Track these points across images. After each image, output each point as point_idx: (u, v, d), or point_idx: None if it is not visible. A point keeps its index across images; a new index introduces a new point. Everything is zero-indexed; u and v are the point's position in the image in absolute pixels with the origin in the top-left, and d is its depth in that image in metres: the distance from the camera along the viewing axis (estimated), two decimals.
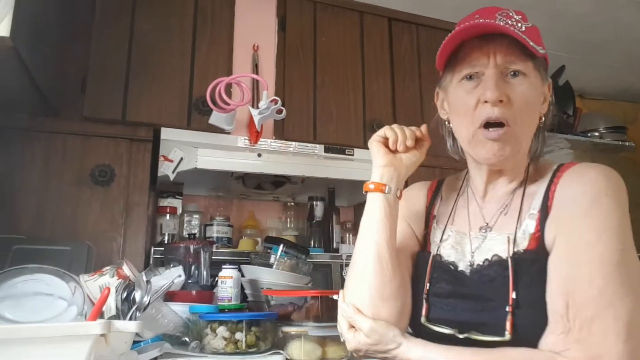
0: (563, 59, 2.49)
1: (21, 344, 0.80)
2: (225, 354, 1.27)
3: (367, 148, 1.84)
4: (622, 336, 0.61)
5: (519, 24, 0.74)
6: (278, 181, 1.95)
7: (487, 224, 0.80)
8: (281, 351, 1.30)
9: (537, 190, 0.77)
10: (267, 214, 2.19)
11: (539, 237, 0.72)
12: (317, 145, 1.86)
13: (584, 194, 0.69)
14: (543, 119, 0.79)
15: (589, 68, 2.71)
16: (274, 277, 1.62)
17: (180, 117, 1.67)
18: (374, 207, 0.81)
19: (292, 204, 2.19)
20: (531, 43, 0.72)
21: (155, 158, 1.65)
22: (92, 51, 1.64)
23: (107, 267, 1.33)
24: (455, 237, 0.83)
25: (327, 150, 1.87)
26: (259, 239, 2.01)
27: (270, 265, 1.68)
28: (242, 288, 1.62)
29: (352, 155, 1.90)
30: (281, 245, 1.71)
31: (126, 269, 1.33)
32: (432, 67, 2.19)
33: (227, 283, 1.50)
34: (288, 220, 2.16)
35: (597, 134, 2.65)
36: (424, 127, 0.87)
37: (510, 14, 0.76)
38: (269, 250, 1.73)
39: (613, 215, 0.67)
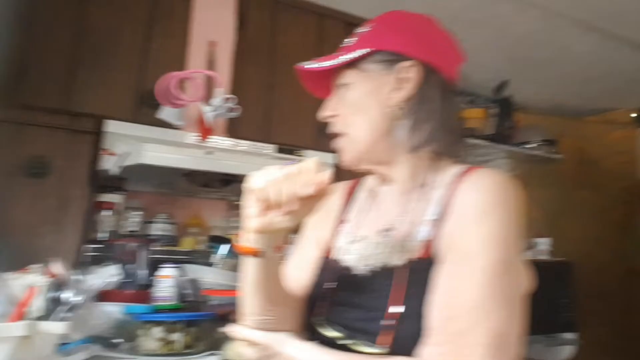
0: (506, 74, 2.61)
1: None
2: (158, 355, 1.25)
3: (318, 150, 1.92)
4: (491, 349, 0.60)
5: (352, 39, 0.81)
6: (227, 180, 1.92)
7: (386, 228, 0.77)
8: (218, 352, 1.30)
9: (435, 195, 0.74)
10: (213, 212, 2.15)
11: (431, 245, 0.69)
12: (270, 145, 1.85)
13: (476, 202, 0.67)
14: (404, 101, 0.77)
15: (530, 83, 2.87)
16: (216, 276, 1.61)
17: (127, 110, 1.61)
18: (250, 271, 0.73)
19: (239, 203, 2.16)
20: (346, 57, 0.77)
21: (97, 151, 1.57)
22: (35, 33, 1.53)
23: (35, 265, 1.26)
24: (355, 241, 0.79)
25: (280, 150, 1.87)
26: (204, 238, 1.98)
27: (212, 265, 1.66)
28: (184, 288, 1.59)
29: (302, 157, 1.92)
30: (228, 245, 1.69)
31: (56, 267, 1.27)
32: None
33: (165, 282, 1.47)
34: (234, 219, 2.14)
35: (531, 145, 2.81)
36: (325, 176, 0.64)
37: (356, 31, 0.82)
38: (212, 250, 1.71)
39: (501, 225, 0.65)
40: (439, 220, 0.71)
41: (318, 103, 1.95)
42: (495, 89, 2.66)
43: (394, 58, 0.77)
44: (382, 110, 0.77)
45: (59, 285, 1.22)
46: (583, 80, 2.86)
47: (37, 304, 1.17)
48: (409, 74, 0.76)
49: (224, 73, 1.80)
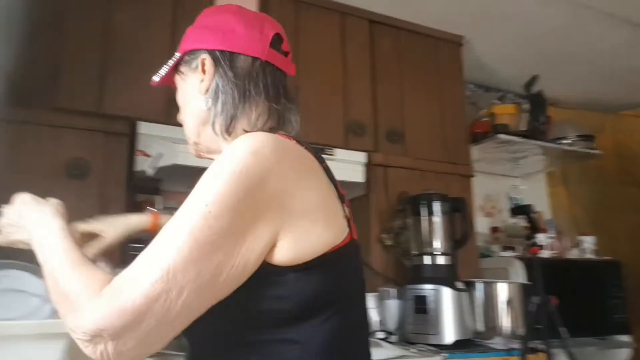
0: (537, 69, 2.56)
1: None
2: None
3: (347, 148, 1.91)
4: (141, 267, 0.60)
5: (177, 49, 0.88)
6: None
7: None
8: None
9: None
10: None
11: None
12: None
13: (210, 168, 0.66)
14: (204, 93, 0.82)
15: (561, 78, 2.81)
16: None
17: (159, 111, 1.63)
18: None
19: None
20: (162, 70, 0.87)
21: (132, 153, 1.60)
22: (66, 39, 1.59)
23: None
24: None
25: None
26: None
27: None
28: None
29: (332, 155, 1.90)
30: None
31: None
32: (413, 70, 2.23)
33: None
34: None
35: (567, 141, 2.72)
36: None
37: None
38: None
39: (217, 180, 0.62)
40: None
41: (345, 101, 1.99)
42: (525, 84, 2.60)
43: (194, 56, 0.84)
44: (196, 105, 0.83)
45: None
46: (615, 73, 2.79)
47: None
48: (205, 66, 0.82)
49: None
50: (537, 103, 2.66)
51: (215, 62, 0.82)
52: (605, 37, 2.38)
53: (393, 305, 1.83)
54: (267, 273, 0.64)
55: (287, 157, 0.68)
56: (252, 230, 0.62)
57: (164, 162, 1.56)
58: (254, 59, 0.82)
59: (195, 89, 0.83)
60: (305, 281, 0.66)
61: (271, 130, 0.80)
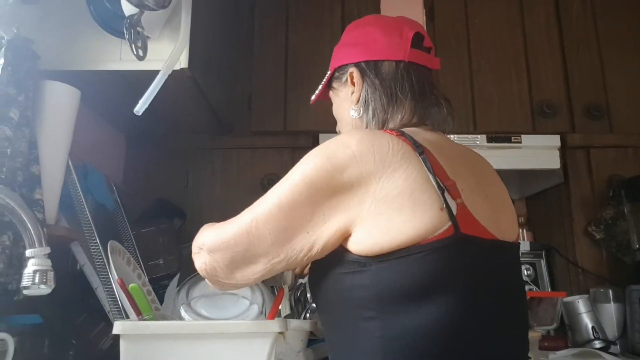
0: None
1: (213, 338, 0.89)
2: None
3: (536, 133, 1.71)
4: (215, 231, 0.80)
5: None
6: None
7: None
8: None
9: None
10: None
11: None
12: (478, 136, 1.73)
13: None
14: (356, 104, 0.91)
15: None
16: None
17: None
18: None
19: None
20: (318, 89, 1.01)
21: None
22: (254, 70, 1.80)
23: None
24: None
25: (489, 140, 1.73)
26: None
27: None
28: None
29: (520, 142, 1.73)
30: None
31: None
32: (612, 30, 1.89)
33: None
34: None
35: None
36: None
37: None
38: None
39: (302, 161, 0.75)
40: None
41: (530, 80, 1.78)
42: None
43: (343, 71, 0.94)
44: (350, 115, 0.92)
45: (301, 286, 1.34)
46: None
47: (286, 304, 1.31)
48: (354, 78, 0.91)
49: None
50: None
51: (362, 73, 0.90)
52: None
53: (611, 309, 1.57)
54: (351, 262, 0.72)
55: (373, 148, 0.71)
56: (328, 204, 0.72)
57: None
58: (398, 62, 0.88)
59: (348, 101, 0.92)
60: (388, 272, 0.69)
61: (414, 125, 0.86)
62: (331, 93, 0.99)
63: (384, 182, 0.69)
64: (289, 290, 1.34)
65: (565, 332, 1.61)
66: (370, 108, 0.88)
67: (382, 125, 0.87)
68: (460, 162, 0.81)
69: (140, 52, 1.14)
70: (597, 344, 1.51)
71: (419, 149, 0.74)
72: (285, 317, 1.28)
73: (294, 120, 1.75)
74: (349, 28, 0.98)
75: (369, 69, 0.89)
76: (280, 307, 1.31)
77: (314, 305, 1.31)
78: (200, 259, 0.81)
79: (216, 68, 1.57)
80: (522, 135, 1.74)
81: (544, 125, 1.77)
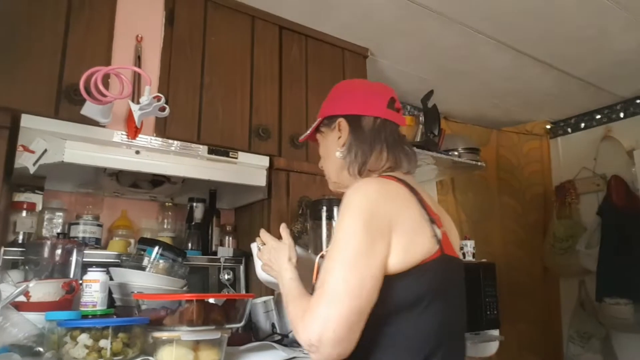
0: (432, 84, 2.76)
1: None
2: None
3: (252, 152, 1.91)
4: (327, 296, 0.89)
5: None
6: (157, 180, 1.86)
7: None
8: (150, 358, 1.24)
9: None
10: (142, 213, 2.07)
11: None
12: (200, 146, 1.81)
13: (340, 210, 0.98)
14: (341, 147, 1.15)
15: (453, 94, 3.05)
16: (147, 280, 1.55)
17: (47, 105, 1.51)
18: None
19: (171, 204, 2.11)
20: (308, 131, 1.26)
21: (12, 147, 1.46)
22: None
23: None
24: None
25: (210, 151, 1.83)
26: (132, 240, 1.89)
27: (143, 268, 1.59)
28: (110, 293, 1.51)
29: (237, 158, 1.89)
30: (157, 247, 1.63)
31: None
32: (318, 78, 2.29)
33: (93, 287, 1.39)
34: (165, 221, 2.07)
35: (456, 153, 2.97)
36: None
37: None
38: (142, 252, 1.64)
39: (345, 220, 0.93)
40: None
41: (250, 105, 1.98)
42: (422, 98, 2.79)
43: (332, 120, 1.17)
44: (335, 155, 1.16)
45: None
46: (499, 93, 3.10)
47: None
48: (341, 127, 1.15)
49: (152, 70, 1.75)
50: (431, 116, 2.86)
51: (349, 123, 1.13)
52: (492, 59, 2.63)
53: None
54: (385, 280, 0.91)
55: (387, 194, 0.97)
56: (377, 245, 0.90)
57: (49, 159, 1.45)
58: (376, 118, 1.13)
59: (334, 144, 1.16)
60: (407, 283, 0.93)
61: (389, 169, 1.10)
62: (318, 136, 1.23)
63: (401, 219, 0.95)
64: None
65: (251, 328, 1.82)
66: (353, 152, 1.11)
67: (362, 166, 1.10)
68: (429, 198, 1.06)
69: None
70: (275, 337, 1.77)
71: (413, 191, 1.00)
72: None
73: None
74: (339, 86, 1.23)
75: (354, 120, 1.13)
76: None
77: None
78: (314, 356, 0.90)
79: None
80: (240, 152, 1.90)
81: (258, 146, 1.99)
